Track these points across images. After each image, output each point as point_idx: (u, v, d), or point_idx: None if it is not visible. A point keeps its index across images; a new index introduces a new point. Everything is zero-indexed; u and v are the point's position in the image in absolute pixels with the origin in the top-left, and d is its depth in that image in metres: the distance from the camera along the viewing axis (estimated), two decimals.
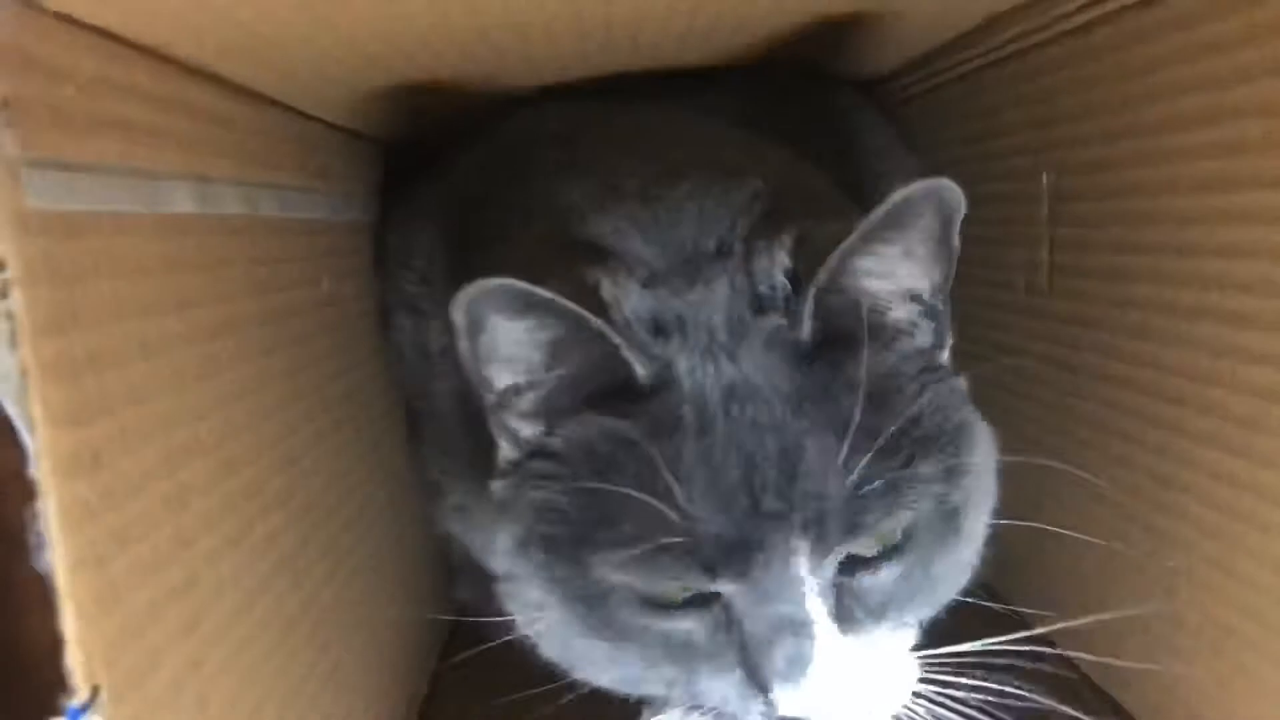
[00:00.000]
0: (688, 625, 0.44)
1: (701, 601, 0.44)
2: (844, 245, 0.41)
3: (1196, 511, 0.49)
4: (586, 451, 0.44)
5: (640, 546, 0.42)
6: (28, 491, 0.28)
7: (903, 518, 0.43)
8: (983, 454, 0.48)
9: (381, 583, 0.60)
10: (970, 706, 0.46)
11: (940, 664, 0.46)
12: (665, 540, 0.41)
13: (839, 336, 0.44)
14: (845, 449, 0.42)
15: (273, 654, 0.42)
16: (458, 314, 0.41)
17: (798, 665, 0.42)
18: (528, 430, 0.46)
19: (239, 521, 0.40)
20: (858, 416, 0.42)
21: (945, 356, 0.48)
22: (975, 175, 0.66)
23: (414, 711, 0.63)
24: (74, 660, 0.29)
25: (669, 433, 0.43)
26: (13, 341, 0.28)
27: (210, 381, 0.39)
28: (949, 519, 0.45)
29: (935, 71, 0.68)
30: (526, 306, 0.41)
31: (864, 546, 0.43)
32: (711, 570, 0.42)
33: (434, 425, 0.62)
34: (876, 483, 0.42)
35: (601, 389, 0.44)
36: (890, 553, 0.44)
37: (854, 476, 0.42)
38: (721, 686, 0.44)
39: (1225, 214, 0.45)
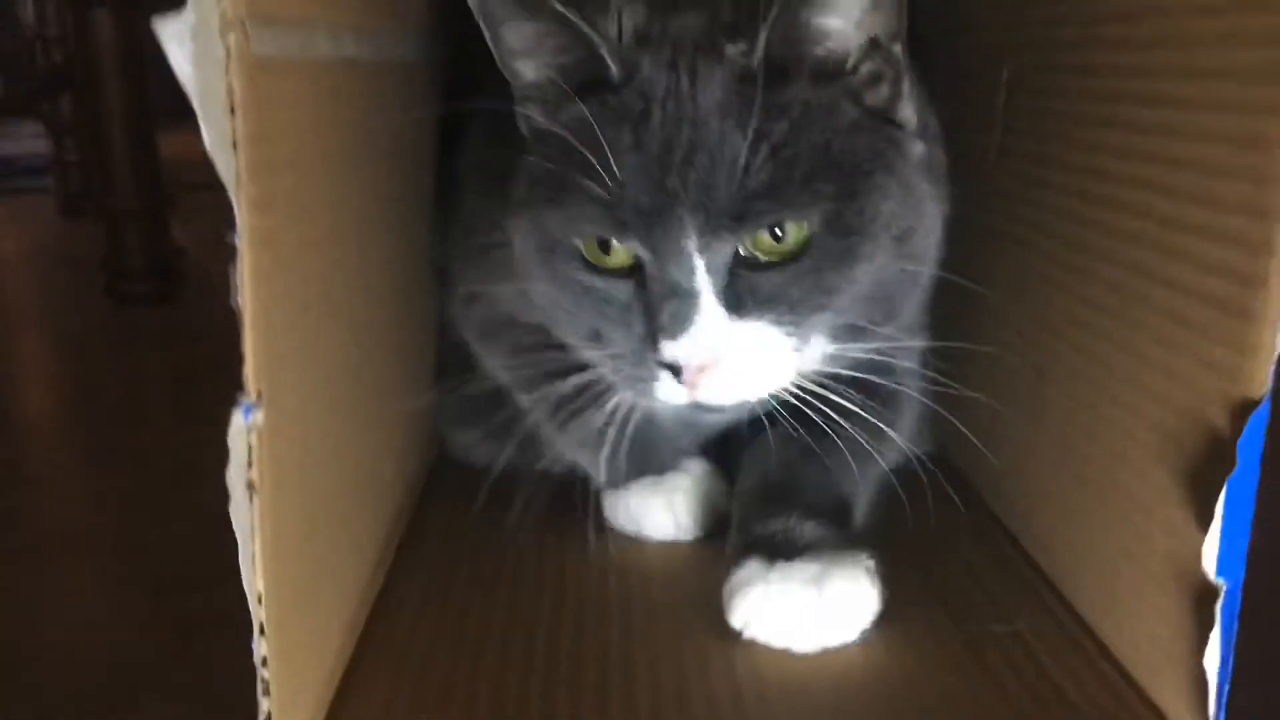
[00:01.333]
0: (613, 286, 0.56)
1: (625, 273, 0.56)
2: None
3: (1077, 337, 0.60)
4: (569, 131, 0.55)
5: (574, 207, 0.54)
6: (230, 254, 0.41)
7: (789, 221, 0.54)
8: (899, 196, 0.56)
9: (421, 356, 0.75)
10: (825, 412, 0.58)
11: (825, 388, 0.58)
12: (595, 196, 0.54)
13: (788, 68, 0.54)
14: (745, 152, 0.52)
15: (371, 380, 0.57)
16: (473, 5, 0.55)
17: (680, 322, 0.54)
18: (541, 117, 0.58)
19: (359, 284, 0.55)
20: (766, 128, 0.53)
21: (906, 114, 0.58)
22: (947, 63, 0.77)
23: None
24: (249, 371, 0.42)
25: (620, 121, 0.54)
26: (234, 147, 0.40)
27: (351, 182, 0.53)
28: (844, 239, 0.54)
29: None
30: (525, 4, 0.54)
31: (760, 245, 0.54)
32: (624, 227, 0.54)
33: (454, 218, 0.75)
34: (763, 180, 0.52)
35: (586, 82, 0.56)
36: (785, 261, 0.54)
37: (749, 177, 0.52)
38: (626, 337, 0.57)
39: (1164, 122, 0.53)
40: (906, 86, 0.58)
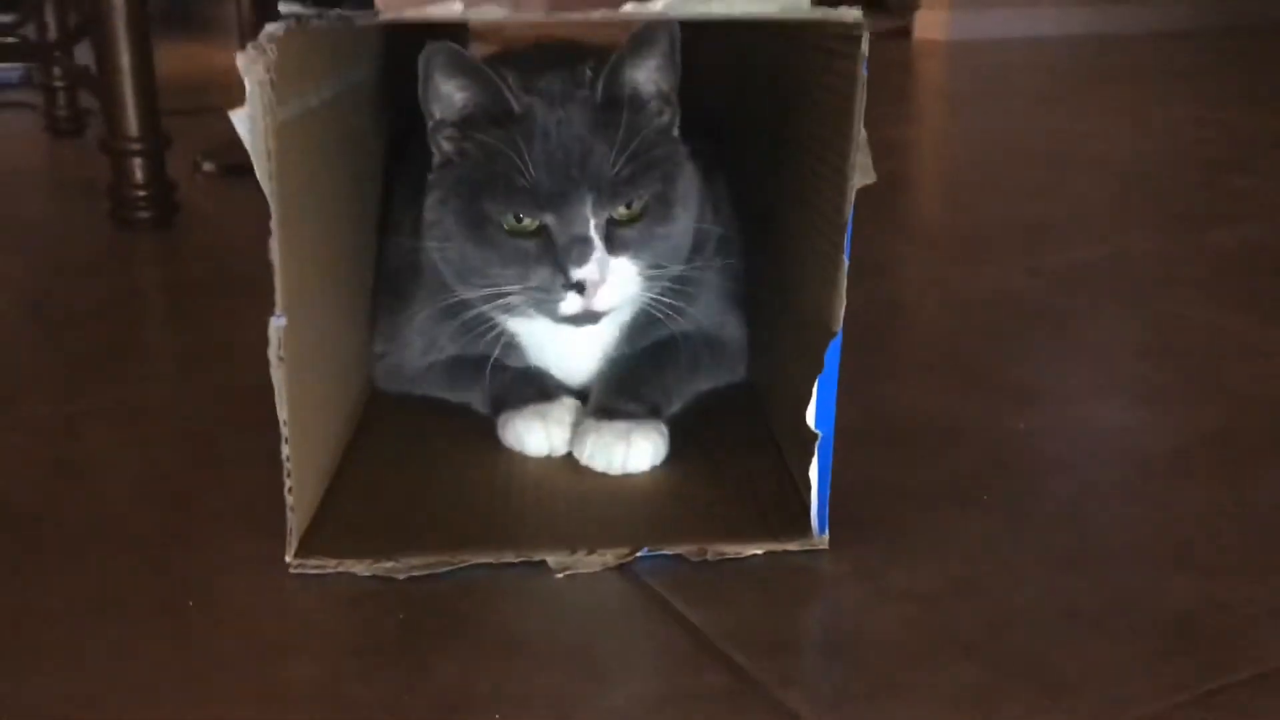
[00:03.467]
0: (529, 242, 0.87)
1: (536, 232, 0.87)
2: (617, 55, 0.88)
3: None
4: (482, 150, 0.90)
5: (507, 193, 0.86)
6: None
7: (639, 198, 0.88)
8: (686, 182, 0.93)
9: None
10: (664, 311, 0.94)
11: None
12: (519, 186, 0.87)
13: (619, 103, 0.89)
14: (613, 155, 0.87)
15: (345, 309, 0.91)
16: (420, 66, 0.88)
17: (582, 258, 0.87)
18: (448, 145, 0.92)
19: (340, 250, 0.88)
20: (620, 140, 0.87)
21: (675, 132, 0.94)
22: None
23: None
24: (278, 298, 0.76)
25: (527, 139, 0.88)
26: (270, 178, 0.74)
27: (337, 183, 0.86)
28: (666, 207, 0.90)
29: None
30: (458, 66, 0.88)
31: (621, 213, 0.88)
32: (542, 207, 0.87)
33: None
34: (625, 173, 0.87)
35: (490, 118, 0.90)
36: (637, 218, 0.89)
37: (616, 169, 0.87)
38: (543, 273, 0.88)
39: None
40: (677, 114, 0.94)
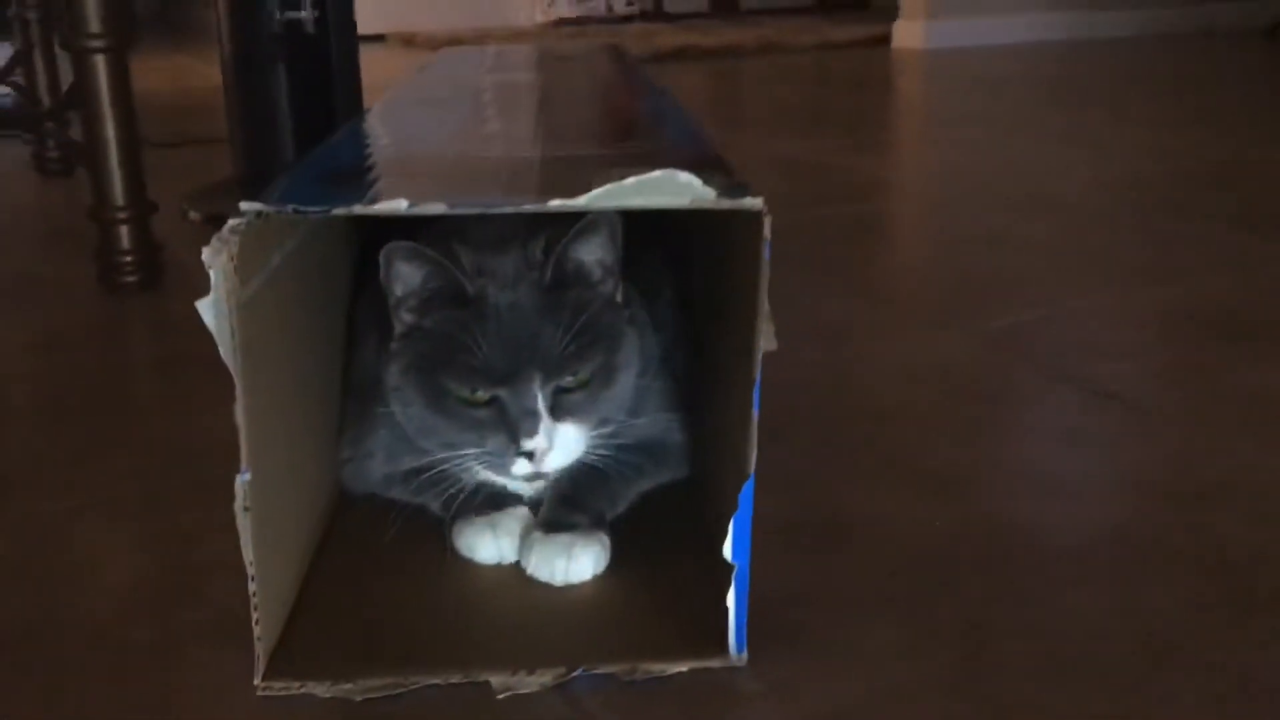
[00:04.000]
0: (483, 412, 0.94)
1: (490, 403, 0.94)
2: (566, 239, 0.95)
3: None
4: (440, 328, 0.98)
5: (462, 370, 0.94)
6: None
7: (585, 369, 0.97)
8: (628, 347, 1.00)
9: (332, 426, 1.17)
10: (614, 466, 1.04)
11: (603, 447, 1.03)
12: (472, 365, 0.95)
13: (566, 283, 0.98)
14: (560, 334, 0.96)
15: (313, 430, 0.99)
16: (382, 259, 0.97)
17: (531, 429, 0.95)
18: (409, 318, 1.00)
19: (303, 395, 0.96)
20: (566, 319, 0.96)
21: (619, 298, 1.02)
22: None
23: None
24: (243, 450, 0.84)
25: (480, 320, 0.96)
26: (235, 353, 0.82)
27: (298, 340, 0.94)
28: (610, 374, 0.97)
29: None
30: (416, 257, 0.97)
31: (568, 381, 0.97)
32: (495, 383, 0.96)
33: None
34: (572, 349, 0.96)
35: (447, 300, 0.98)
36: (580, 387, 0.98)
37: (562, 346, 0.96)
38: (496, 441, 0.97)
39: None
40: (619, 284, 1.03)
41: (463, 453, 1.00)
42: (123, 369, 1.67)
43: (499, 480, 1.04)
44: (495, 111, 1.36)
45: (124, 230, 1.91)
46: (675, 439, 1.15)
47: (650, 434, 1.12)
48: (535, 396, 0.96)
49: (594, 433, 1.01)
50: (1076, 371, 1.51)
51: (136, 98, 1.91)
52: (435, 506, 1.11)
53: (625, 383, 1.03)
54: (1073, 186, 2.61)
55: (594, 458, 1.03)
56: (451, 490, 1.04)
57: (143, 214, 1.93)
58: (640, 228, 1.03)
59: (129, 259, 1.92)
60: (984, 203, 2.47)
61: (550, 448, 0.97)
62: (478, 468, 1.01)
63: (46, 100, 2.89)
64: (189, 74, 4.91)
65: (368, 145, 1.13)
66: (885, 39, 5.43)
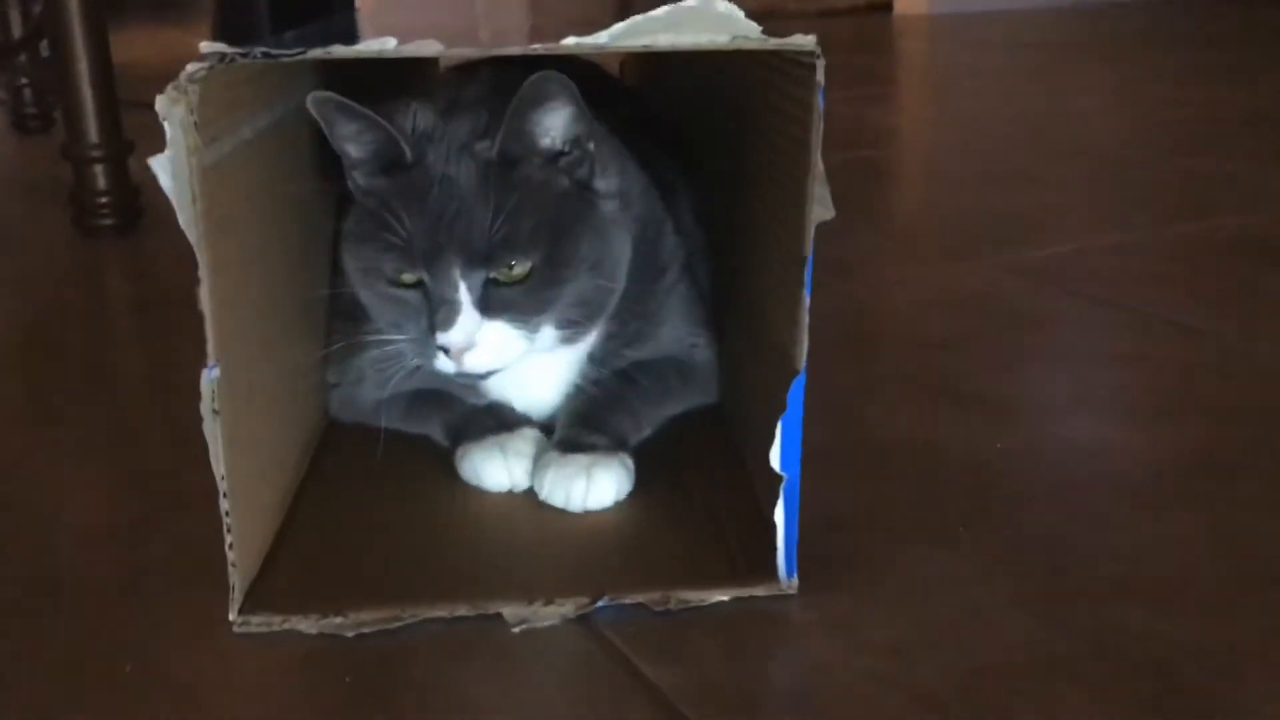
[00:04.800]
0: (407, 295, 0.84)
1: (415, 286, 0.83)
2: (513, 103, 0.81)
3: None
4: (374, 196, 0.86)
5: (385, 245, 0.83)
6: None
7: (520, 261, 0.83)
8: (595, 242, 0.86)
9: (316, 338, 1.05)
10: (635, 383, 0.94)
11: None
12: (394, 242, 0.82)
13: (515, 158, 0.84)
14: (490, 217, 0.82)
15: (296, 340, 0.87)
16: (316, 114, 0.82)
17: (447, 320, 0.82)
18: (360, 182, 0.87)
19: (279, 290, 0.84)
20: (502, 201, 0.82)
21: (601, 185, 0.89)
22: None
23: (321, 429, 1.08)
24: (209, 340, 0.72)
25: (409, 192, 0.82)
26: (196, 223, 0.70)
27: (271, 225, 0.82)
28: (557, 270, 0.83)
29: None
30: (346, 111, 0.83)
31: (504, 273, 0.83)
32: (413, 263, 0.83)
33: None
34: (500, 235, 0.82)
35: (388, 164, 0.85)
36: (521, 280, 0.84)
37: (493, 231, 0.82)
38: (416, 328, 0.85)
39: None
40: (598, 168, 0.89)
41: (394, 338, 0.88)
42: (98, 310, 1.56)
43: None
44: (485, 7, 1.24)
45: (99, 170, 1.79)
46: (702, 357, 1.03)
47: (674, 350, 1.00)
48: (456, 285, 0.83)
49: (541, 334, 0.87)
50: (1123, 299, 1.39)
51: (124, 67, 1.79)
52: (437, 434, 0.99)
53: (582, 282, 0.87)
54: (1093, 133, 2.50)
55: (605, 372, 0.91)
56: (398, 373, 0.91)
57: (119, 154, 1.80)
58: (651, 128, 0.92)
59: (104, 200, 1.80)
60: (1001, 148, 2.35)
61: (470, 346, 0.84)
62: (408, 353, 0.89)
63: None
64: (177, 46, 4.78)
65: (355, 22, 1.00)
66: (887, 5, 5.30)
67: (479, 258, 0.83)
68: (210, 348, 0.71)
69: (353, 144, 0.86)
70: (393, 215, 0.84)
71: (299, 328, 0.97)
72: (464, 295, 0.83)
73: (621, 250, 0.91)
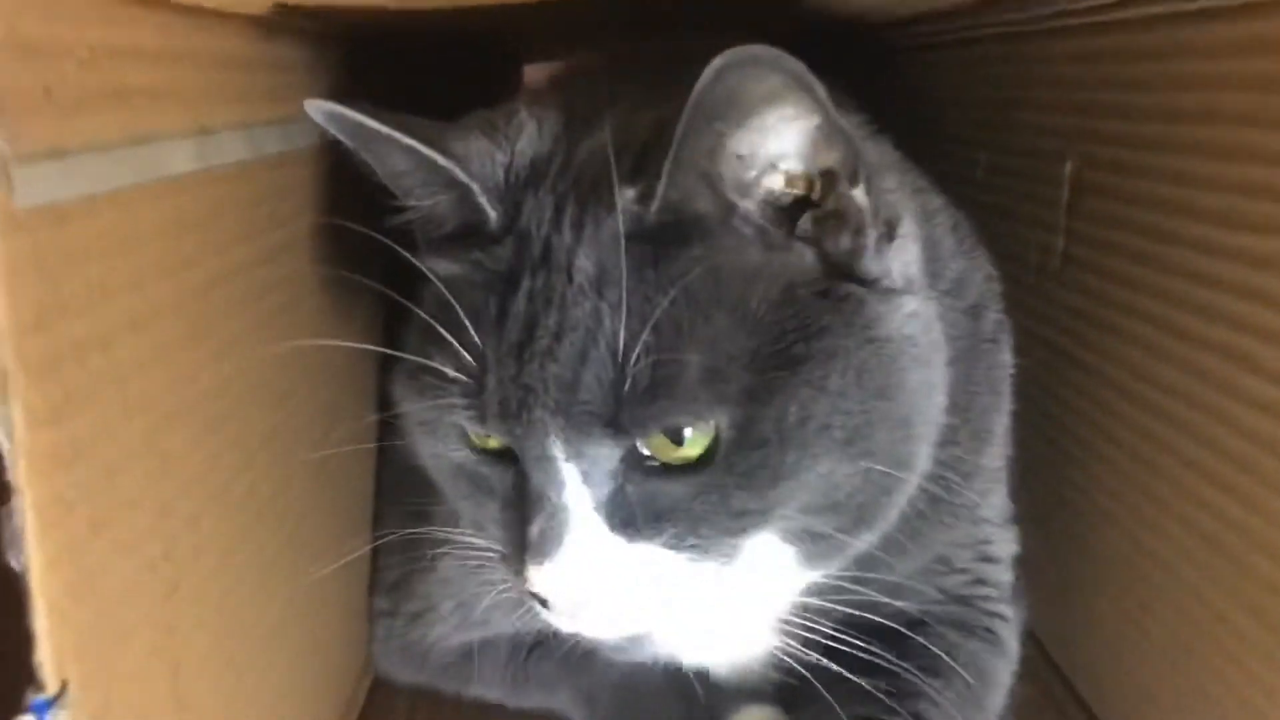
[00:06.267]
0: (494, 472, 0.44)
1: (502, 457, 0.44)
2: (688, 110, 0.38)
3: (1177, 532, 0.49)
4: (446, 282, 0.43)
5: (439, 379, 0.43)
6: (3, 492, 0.29)
7: (694, 423, 0.41)
8: (868, 396, 0.43)
9: (353, 515, 0.60)
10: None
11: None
12: (456, 376, 0.42)
13: (698, 219, 0.41)
14: (623, 338, 0.40)
15: (245, 608, 0.43)
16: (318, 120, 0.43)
17: (548, 543, 0.41)
18: (426, 258, 0.46)
19: (222, 478, 0.41)
20: (654, 306, 0.40)
21: (878, 268, 0.44)
22: (998, 142, 0.65)
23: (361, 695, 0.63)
24: (44, 655, 0.29)
25: (489, 284, 0.42)
26: None
27: (202, 341, 0.39)
28: (759, 450, 0.41)
29: (972, 25, 0.65)
30: (386, 140, 0.42)
31: (656, 450, 0.41)
32: (486, 417, 0.42)
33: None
34: (647, 378, 0.40)
35: (461, 229, 0.44)
36: (688, 467, 0.41)
37: (626, 371, 0.40)
38: (506, 539, 0.44)
39: (1246, 248, 0.44)
40: (871, 233, 0.44)
41: (476, 543, 0.47)
42: None
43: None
44: None
45: None
46: (1011, 619, 0.57)
47: (966, 618, 0.55)
48: (558, 473, 0.41)
49: (741, 560, 0.44)
50: None
51: None
52: (570, 712, 0.57)
53: (837, 469, 0.43)
54: None
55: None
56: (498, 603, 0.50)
57: None
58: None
59: None
60: None
61: (587, 598, 0.42)
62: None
63: None
64: None
65: None
66: None
67: (597, 419, 0.40)
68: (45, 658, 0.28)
69: (411, 190, 0.45)
70: (458, 327, 0.42)
71: (309, 510, 0.53)
72: (574, 491, 0.41)
73: (925, 397, 0.46)
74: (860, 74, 0.75)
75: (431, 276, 0.44)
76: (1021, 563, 0.56)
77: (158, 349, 0.35)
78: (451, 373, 0.42)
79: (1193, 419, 0.47)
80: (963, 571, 0.53)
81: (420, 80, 0.72)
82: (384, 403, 0.54)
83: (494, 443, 0.43)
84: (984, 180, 0.65)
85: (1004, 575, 0.55)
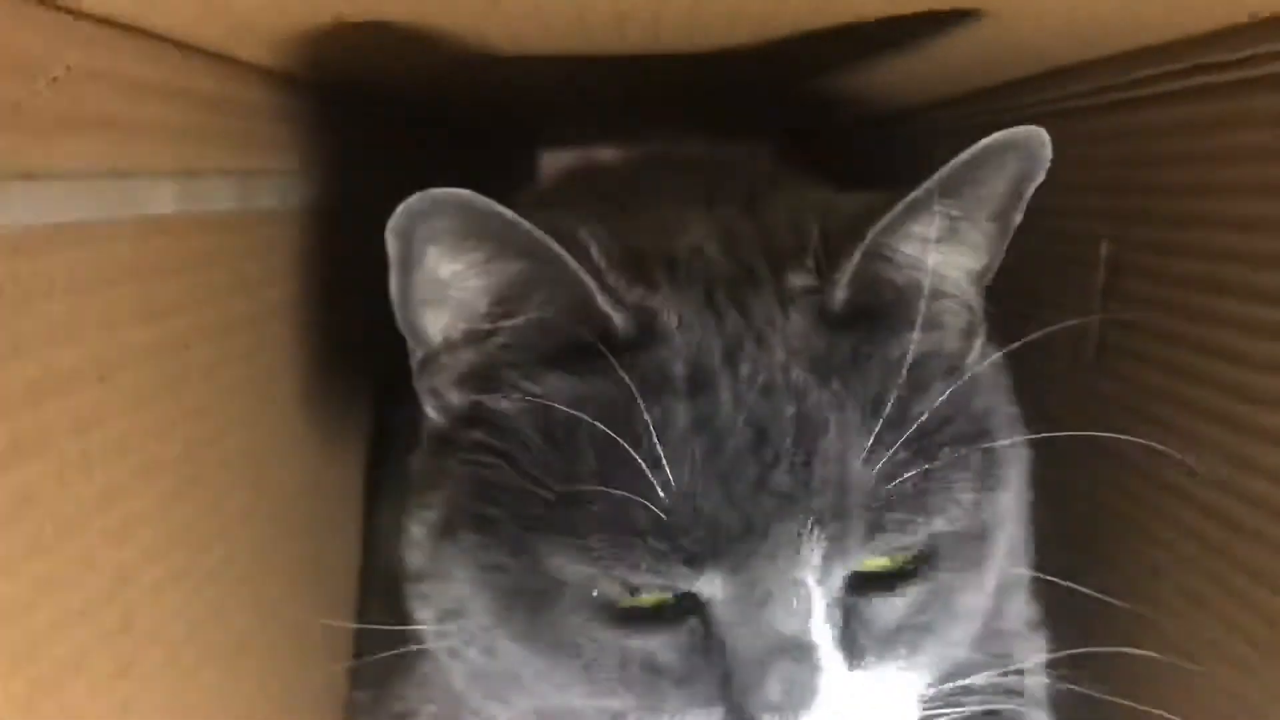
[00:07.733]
0: (656, 642, 0.37)
1: (676, 614, 0.37)
2: (908, 199, 0.36)
3: (1230, 612, 0.45)
4: (544, 419, 0.37)
5: (613, 531, 0.35)
6: None
7: (930, 526, 0.37)
8: (1016, 473, 0.42)
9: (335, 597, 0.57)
10: None
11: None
12: (645, 522, 0.35)
13: (873, 309, 0.38)
14: (875, 432, 0.36)
15: (209, 696, 0.39)
16: (391, 237, 0.35)
17: (798, 698, 0.35)
18: (461, 393, 0.40)
19: (191, 548, 0.37)
20: (893, 397, 0.36)
21: (974, 355, 0.42)
22: (1028, 225, 0.62)
23: None
24: None
25: (655, 393, 0.36)
26: None
27: (178, 397, 0.36)
28: (977, 540, 0.39)
29: (1006, 107, 0.63)
30: (479, 231, 0.35)
31: (879, 560, 0.37)
32: (697, 563, 0.35)
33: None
34: (906, 477, 0.36)
35: (566, 344, 0.38)
36: (907, 573, 0.38)
37: (881, 466, 0.36)
38: (690, 713, 0.37)
39: None
40: (980, 319, 0.43)
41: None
42: None
43: None
44: None
45: None
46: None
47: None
48: (806, 595, 0.36)
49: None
50: None
51: None
52: None
53: (999, 561, 0.42)
54: None
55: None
56: None
57: None
58: None
59: None
60: None
61: None
62: None
63: None
64: None
65: None
66: None
67: (862, 526, 0.36)
68: None
69: (480, 301, 0.38)
70: (615, 460, 0.36)
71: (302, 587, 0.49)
72: (820, 622, 0.36)
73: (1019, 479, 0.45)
74: (884, 160, 0.74)
75: (529, 400, 0.38)
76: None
77: (126, 399, 0.32)
78: (634, 506, 0.35)
79: (1223, 505, 0.44)
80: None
81: (431, 153, 0.70)
82: (370, 489, 0.51)
83: (652, 600, 0.37)
84: (1013, 268, 0.63)
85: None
